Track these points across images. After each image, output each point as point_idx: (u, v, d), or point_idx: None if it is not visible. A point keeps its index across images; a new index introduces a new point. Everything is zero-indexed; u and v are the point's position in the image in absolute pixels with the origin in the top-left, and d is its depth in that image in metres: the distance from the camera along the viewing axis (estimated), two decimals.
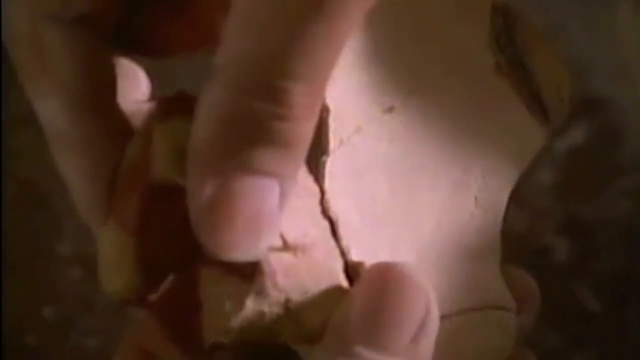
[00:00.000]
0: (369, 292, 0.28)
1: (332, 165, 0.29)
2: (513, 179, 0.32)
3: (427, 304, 0.27)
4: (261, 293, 0.27)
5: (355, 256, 0.29)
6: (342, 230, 0.29)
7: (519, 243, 0.55)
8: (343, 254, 0.29)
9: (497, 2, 0.31)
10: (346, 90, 0.29)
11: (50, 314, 0.53)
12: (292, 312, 0.28)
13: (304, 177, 0.28)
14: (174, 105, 0.27)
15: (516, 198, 0.55)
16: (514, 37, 0.31)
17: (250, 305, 0.27)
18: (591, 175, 0.56)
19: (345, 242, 0.29)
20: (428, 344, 0.27)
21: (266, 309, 0.27)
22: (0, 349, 0.52)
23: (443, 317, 0.29)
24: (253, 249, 0.25)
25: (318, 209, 0.29)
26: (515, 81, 0.31)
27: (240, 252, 0.25)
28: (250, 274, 0.27)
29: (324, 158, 0.29)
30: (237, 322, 0.27)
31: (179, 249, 0.27)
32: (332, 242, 0.29)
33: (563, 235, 0.55)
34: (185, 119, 0.26)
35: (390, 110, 0.30)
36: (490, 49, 0.31)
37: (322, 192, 0.29)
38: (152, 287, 0.28)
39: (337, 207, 0.29)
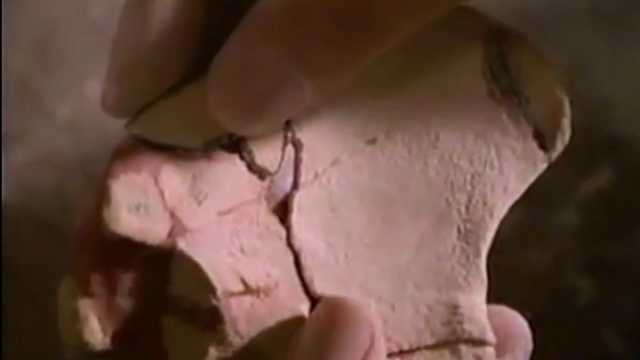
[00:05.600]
0: (314, 327, 0.28)
1: (303, 198, 0.29)
2: (504, 207, 0.31)
3: (370, 336, 0.28)
4: (223, 341, 0.27)
5: (320, 287, 0.29)
6: (305, 261, 0.29)
7: (543, 284, 0.55)
8: (305, 284, 0.29)
9: (491, 29, 0.31)
10: (323, 123, 0.29)
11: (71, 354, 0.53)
12: (257, 355, 0.28)
13: (266, 218, 0.28)
14: (125, 158, 0.27)
15: (540, 239, 0.55)
16: (507, 64, 0.31)
17: (214, 353, 0.27)
18: (616, 216, 0.56)
19: (307, 273, 0.29)
20: None
21: (230, 354, 0.27)
22: None
23: (416, 350, 0.29)
24: None
25: (282, 247, 0.29)
26: (509, 108, 0.31)
27: None
28: (210, 321, 0.27)
29: (292, 192, 0.29)
30: None
31: (139, 300, 0.27)
32: (296, 279, 0.29)
33: (587, 277, 0.55)
34: (137, 173, 0.26)
35: (373, 141, 0.30)
36: (483, 77, 0.31)
37: (288, 227, 0.29)
38: (113, 340, 0.28)
39: (302, 240, 0.29)
